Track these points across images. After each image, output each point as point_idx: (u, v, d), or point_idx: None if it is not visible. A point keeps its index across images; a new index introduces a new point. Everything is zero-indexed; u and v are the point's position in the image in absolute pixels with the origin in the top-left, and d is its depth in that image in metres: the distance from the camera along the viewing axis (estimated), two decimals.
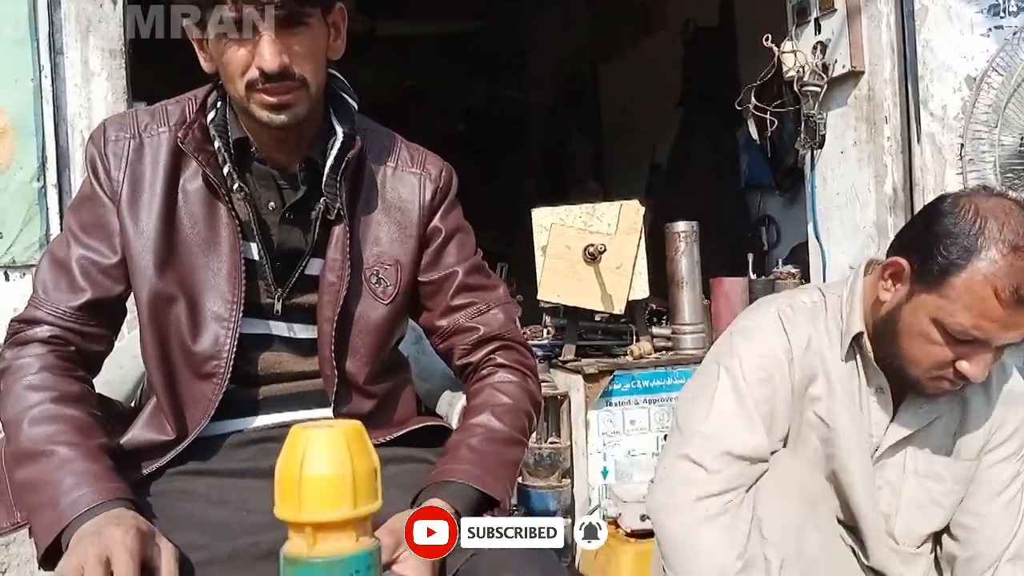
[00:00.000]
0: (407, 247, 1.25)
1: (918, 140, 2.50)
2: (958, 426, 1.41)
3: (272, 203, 1.19)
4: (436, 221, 1.28)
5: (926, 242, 1.28)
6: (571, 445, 2.35)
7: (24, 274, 1.92)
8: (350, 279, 1.20)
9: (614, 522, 2.24)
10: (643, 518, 2.14)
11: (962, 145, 2.33)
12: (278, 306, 1.21)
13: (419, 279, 1.28)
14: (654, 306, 2.67)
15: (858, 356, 1.39)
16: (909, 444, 1.40)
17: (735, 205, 3.89)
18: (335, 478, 0.62)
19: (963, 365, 1.27)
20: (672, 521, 1.36)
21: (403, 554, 0.97)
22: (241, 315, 1.16)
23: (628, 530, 2.16)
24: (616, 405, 2.40)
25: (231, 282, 1.16)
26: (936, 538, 1.46)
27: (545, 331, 2.63)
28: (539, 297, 2.43)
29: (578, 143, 5.63)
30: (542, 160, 6.00)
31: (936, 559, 1.47)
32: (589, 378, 2.36)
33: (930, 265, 1.26)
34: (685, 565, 1.33)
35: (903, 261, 1.31)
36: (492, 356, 1.27)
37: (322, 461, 0.62)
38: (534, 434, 2.30)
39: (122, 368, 1.48)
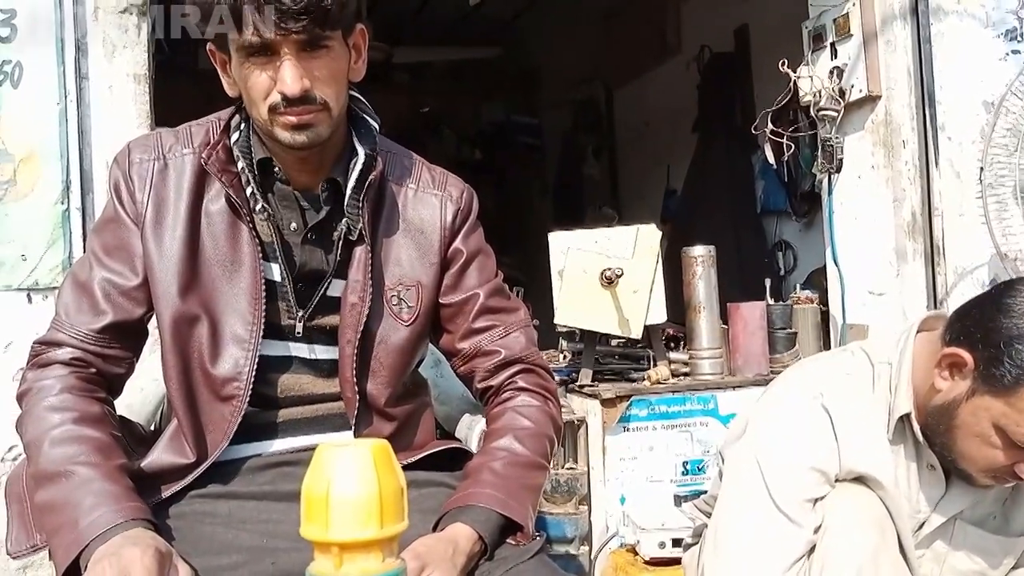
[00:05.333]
0: (428, 269, 1.25)
1: (936, 165, 2.49)
2: (1010, 494, 1.35)
3: (294, 224, 1.20)
4: (457, 243, 1.28)
5: (995, 340, 1.17)
6: (588, 471, 2.32)
7: (47, 296, 1.93)
8: (371, 301, 1.20)
9: (632, 550, 2.21)
10: (661, 546, 2.11)
11: (981, 169, 2.31)
12: (299, 327, 1.20)
13: (440, 301, 1.27)
14: (671, 331, 2.65)
15: (907, 433, 1.31)
16: (958, 516, 1.33)
17: (751, 231, 3.89)
18: (363, 498, 0.61)
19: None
20: None
21: None
22: (261, 336, 1.16)
23: (647, 558, 2.13)
24: (634, 430, 2.38)
25: (251, 303, 1.16)
26: None
27: (561, 356, 2.62)
28: (556, 321, 2.41)
29: (593, 168, 5.64)
30: (557, 185, 6.01)
31: None
32: (606, 403, 2.34)
33: (999, 370, 1.16)
34: None
35: (967, 355, 1.21)
36: (513, 379, 1.26)
37: (350, 480, 0.61)
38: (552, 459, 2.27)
39: (143, 391, 1.49)
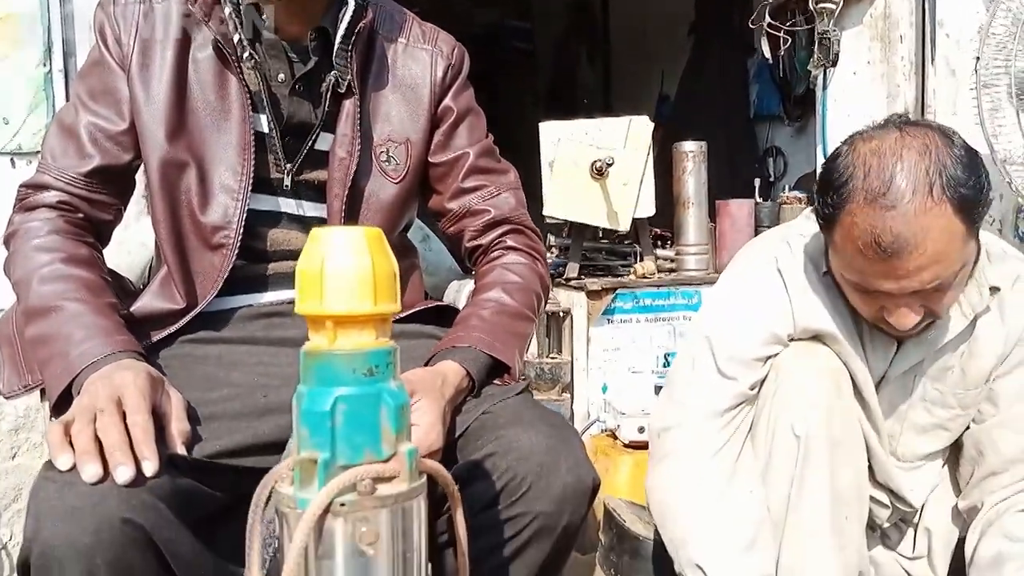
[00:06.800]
0: (417, 126, 1.24)
1: (932, 62, 2.46)
2: (967, 347, 1.35)
3: (282, 75, 1.18)
4: (448, 100, 1.27)
5: (817, 188, 1.22)
6: (572, 361, 2.36)
7: (31, 161, 1.91)
8: (360, 156, 1.19)
9: (612, 434, 2.27)
10: (641, 430, 2.16)
11: (977, 62, 2.29)
12: (287, 181, 1.20)
13: (429, 160, 1.27)
14: (659, 231, 2.66)
15: None
16: (916, 371, 1.35)
17: (743, 136, 3.86)
18: (357, 272, 0.62)
19: (888, 315, 1.19)
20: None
21: (415, 403, 0.99)
22: (250, 189, 1.16)
23: (626, 442, 2.19)
24: (618, 323, 2.41)
25: (240, 153, 1.15)
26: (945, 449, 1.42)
27: (549, 250, 2.63)
28: (544, 212, 2.41)
29: (586, 73, 5.55)
30: (550, 90, 5.92)
31: (950, 471, 1.43)
32: (592, 295, 2.36)
33: (817, 217, 1.21)
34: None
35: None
36: (502, 239, 1.27)
37: (344, 256, 0.62)
38: (535, 348, 2.31)
39: (130, 254, 1.49)
